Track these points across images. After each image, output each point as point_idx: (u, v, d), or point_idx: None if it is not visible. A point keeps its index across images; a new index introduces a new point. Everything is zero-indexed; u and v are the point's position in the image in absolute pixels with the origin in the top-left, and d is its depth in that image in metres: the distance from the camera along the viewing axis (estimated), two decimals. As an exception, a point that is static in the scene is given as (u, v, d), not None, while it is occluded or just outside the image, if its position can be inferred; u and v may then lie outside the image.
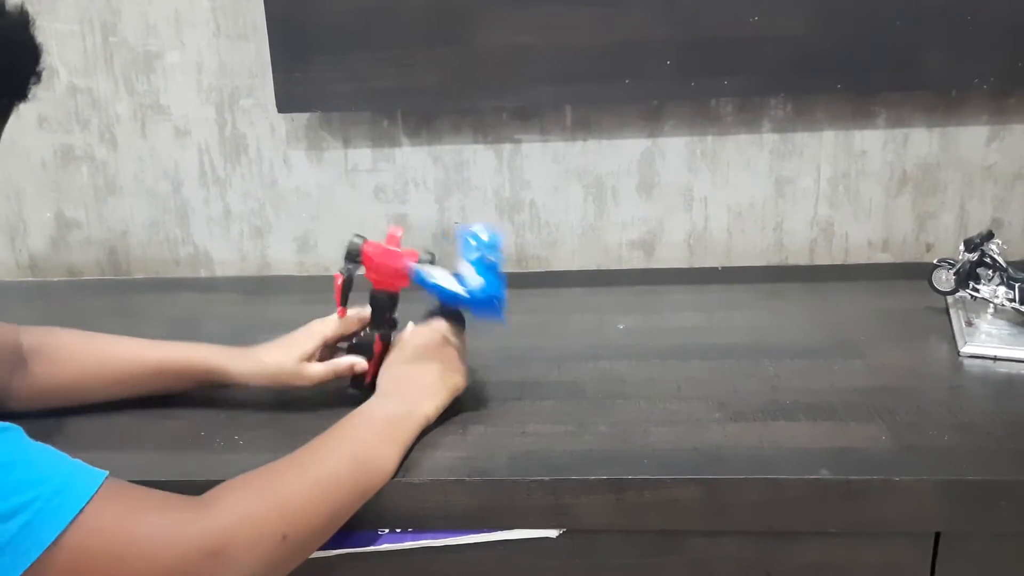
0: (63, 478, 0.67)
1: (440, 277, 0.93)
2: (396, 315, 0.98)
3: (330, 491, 0.78)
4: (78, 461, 0.70)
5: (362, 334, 0.98)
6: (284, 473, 0.78)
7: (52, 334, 0.99)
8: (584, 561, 0.89)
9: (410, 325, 0.99)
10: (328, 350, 0.99)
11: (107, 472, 0.70)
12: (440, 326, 0.97)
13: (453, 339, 0.97)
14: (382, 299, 0.96)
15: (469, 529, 0.87)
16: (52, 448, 0.69)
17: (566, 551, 0.88)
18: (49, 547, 0.64)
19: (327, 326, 0.98)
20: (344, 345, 0.99)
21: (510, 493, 0.85)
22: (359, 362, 0.97)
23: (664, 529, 0.86)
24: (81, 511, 0.66)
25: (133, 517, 0.69)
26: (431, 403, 0.91)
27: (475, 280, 0.92)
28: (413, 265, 0.93)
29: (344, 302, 0.96)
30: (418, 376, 0.93)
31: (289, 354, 0.96)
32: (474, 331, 1.01)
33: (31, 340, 0.97)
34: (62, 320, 1.03)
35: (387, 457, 0.84)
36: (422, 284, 0.93)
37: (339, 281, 0.95)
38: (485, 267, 0.93)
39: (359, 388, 0.98)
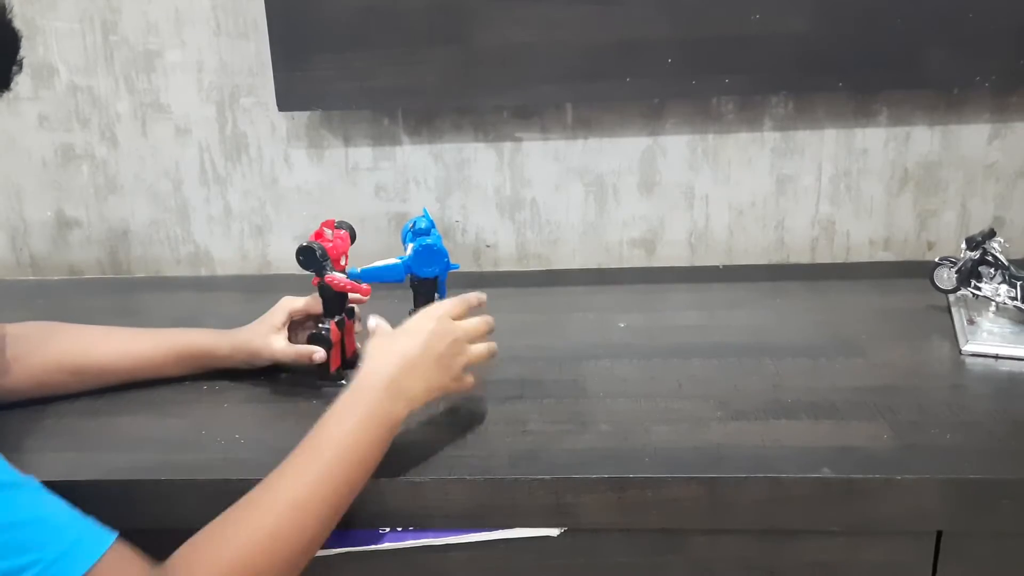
0: (68, 542, 0.66)
1: (376, 264, 0.98)
2: (350, 304, 1.03)
3: (304, 519, 0.75)
4: (89, 522, 0.69)
5: (319, 325, 1.01)
6: (240, 523, 0.74)
7: (39, 326, 1.00)
8: (585, 560, 0.88)
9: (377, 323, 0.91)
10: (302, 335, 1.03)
11: (115, 536, 0.69)
12: (446, 313, 0.88)
13: (462, 332, 0.88)
14: (328, 288, 1.00)
15: (470, 528, 0.87)
16: (66, 506, 0.69)
17: (567, 550, 0.88)
18: None
19: (295, 302, 1.03)
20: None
21: (511, 492, 0.85)
22: (319, 352, 0.99)
23: (665, 528, 0.86)
24: None
25: None
26: (421, 391, 0.84)
27: (407, 251, 0.99)
28: (348, 270, 0.99)
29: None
30: (417, 363, 0.84)
31: (260, 326, 1.02)
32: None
33: (17, 332, 0.98)
34: (63, 319, 1.03)
35: (373, 456, 0.80)
36: (362, 277, 0.98)
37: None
38: (413, 237, 1.00)
39: (325, 379, 1.02)
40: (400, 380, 0.83)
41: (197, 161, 1.41)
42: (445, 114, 1.36)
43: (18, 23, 0.75)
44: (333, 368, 1.01)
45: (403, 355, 0.84)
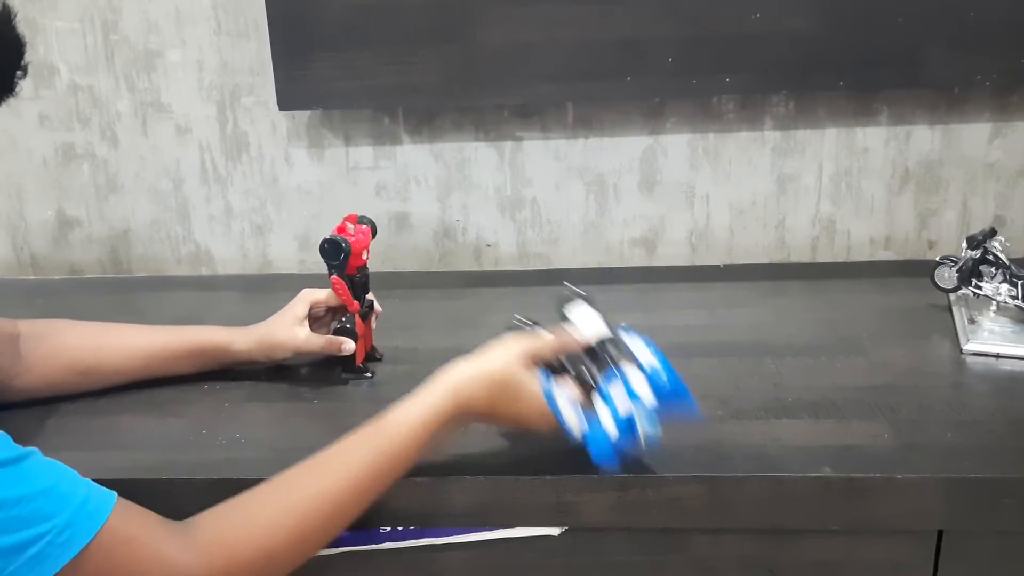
0: (76, 506, 0.67)
1: (565, 405, 0.82)
2: (370, 296, 1.04)
3: (334, 508, 0.77)
4: (89, 483, 0.70)
5: (343, 319, 1.02)
6: (267, 504, 0.75)
7: (51, 325, 1.00)
8: (586, 559, 0.88)
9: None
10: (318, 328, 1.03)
11: (115, 496, 0.70)
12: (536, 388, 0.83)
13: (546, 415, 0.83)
14: (351, 279, 1.01)
15: (471, 527, 0.87)
16: (66, 470, 0.70)
17: (568, 549, 0.88)
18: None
19: (316, 293, 1.03)
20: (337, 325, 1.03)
21: (512, 491, 0.85)
22: (348, 343, 1.00)
23: (666, 527, 0.86)
24: (85, 547, 0.67)
25: (133, 554, 0.70)
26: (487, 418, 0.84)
27: (609, 427, 0.80)
28: (545, 386, 0.83)
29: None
30: (499, 415, 0.83)
31: (283, 319, 1.01)
32: (474, 327, 1.00)
33: (30, 332, 0.98)
34: (64, 319, 1.03)
35: (412, 461, 0.80)
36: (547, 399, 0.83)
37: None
38: (627, 420, 0.80)
39: (350, 372, 1.02)
40: (478, 416, 0.82)
41: (198, 160, 1.41)
42: (446, 113, 1.36)
43: (19, 23, 0.75)
44: (359, 361, 1.02)
45: (513, 414, 0.82)
